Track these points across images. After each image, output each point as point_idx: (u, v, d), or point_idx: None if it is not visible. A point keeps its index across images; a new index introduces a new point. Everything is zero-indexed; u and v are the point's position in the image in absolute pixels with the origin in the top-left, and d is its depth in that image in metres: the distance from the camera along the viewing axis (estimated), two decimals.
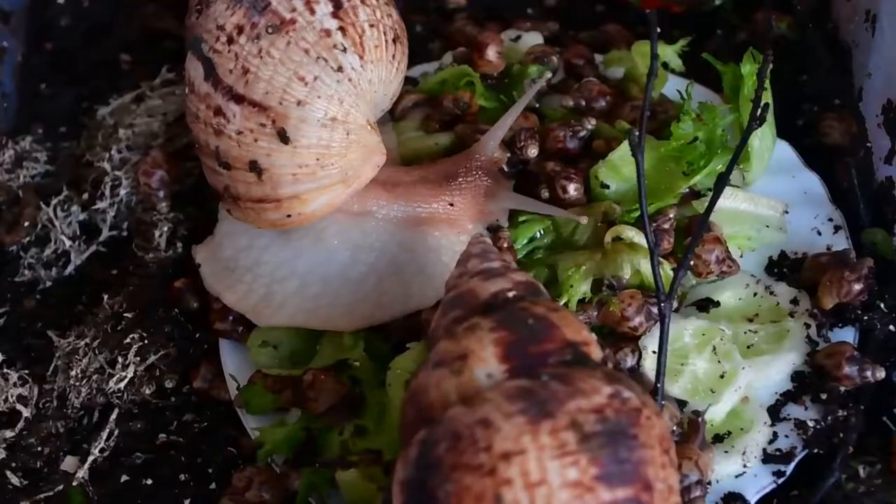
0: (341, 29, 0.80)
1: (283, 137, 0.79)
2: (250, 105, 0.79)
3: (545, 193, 0.88)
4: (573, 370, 0.64)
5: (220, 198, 0.86)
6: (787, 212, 0.91)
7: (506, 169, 0.89)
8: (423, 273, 0.85)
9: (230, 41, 0.79)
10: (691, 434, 0.79)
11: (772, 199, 0.91)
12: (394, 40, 0.83)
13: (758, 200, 0.90)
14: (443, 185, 0.86)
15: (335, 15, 0.80)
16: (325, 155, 0.80)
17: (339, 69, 0.80)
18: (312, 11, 0.80)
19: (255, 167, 0.80)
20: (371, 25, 0.82)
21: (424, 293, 0.84)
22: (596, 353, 0.68)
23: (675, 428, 0.79)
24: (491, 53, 0.97)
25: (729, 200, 0.89)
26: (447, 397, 0.64)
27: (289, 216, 0.82)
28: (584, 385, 0.62)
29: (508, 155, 0.88)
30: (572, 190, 0.87)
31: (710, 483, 0.78)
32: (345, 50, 0.80)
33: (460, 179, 0.87)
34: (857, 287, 0.85)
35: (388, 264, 0.85)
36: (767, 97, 0.90)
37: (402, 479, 0.62)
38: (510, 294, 0.70)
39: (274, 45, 0.79)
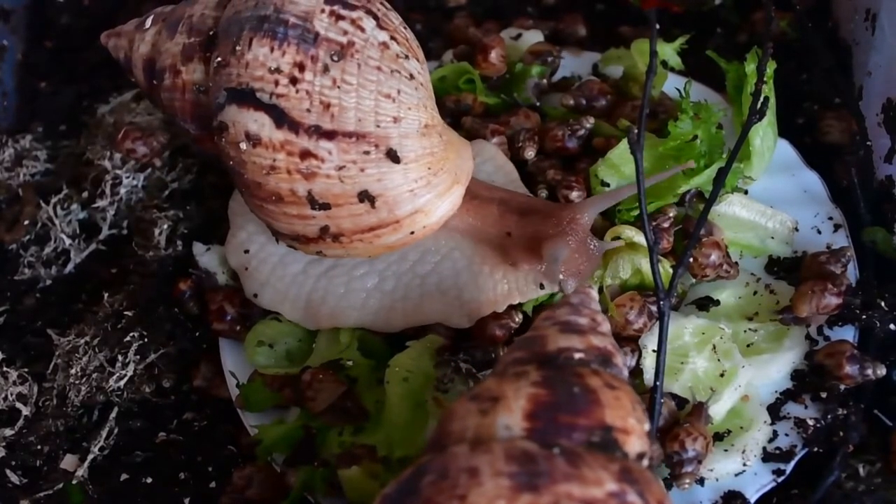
0: (393, 38, 0.78)
1: (395, 158, 0.77)
2: (346, 137, 0.76)
3: (543, 194, 0.88)
4: (590, 453, 0.61)
5: (301, 243, 0.81)
6: (797, 229, 0.90)
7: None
8: (474, 283, 0.83)
9: (294, 81, 0.75)
10: (696, 413, 0.79)
11: (783, 215, 0.90)
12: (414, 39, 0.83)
13: (769, 214, 0.90)
14: (514, 215, 0.83)
15: (379, 26, 0.78)
16: (433, 162, 0.79)
17: (411, 76, 0.78)
18: (362, 29, 0.77)
19: (365, 196, 0.77)
20: (404, 27, 0.80)
21: (473, 303, 0.83)
22: (632, 445, 0.63)
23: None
24: (494, 56, 0.97)
25: (737, 208, 0.89)
26: (464, 432, 0.63)
27: (412, 233, 0.80)
28: (589, 473, 0.59)
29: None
30: (574, 197, 0.87)
31: (704, 476, 0.79)
32: (407, 57, 0.78)
33: (536, 219, 0.83)
34: (835, 301, 0.84)
35: (449, 269, 0.84)
36: (769, 96, 0.90)
37: (387, 493, 0.61)
38: (576, 356, 0.67)
39: (346, 71, 0.76)
